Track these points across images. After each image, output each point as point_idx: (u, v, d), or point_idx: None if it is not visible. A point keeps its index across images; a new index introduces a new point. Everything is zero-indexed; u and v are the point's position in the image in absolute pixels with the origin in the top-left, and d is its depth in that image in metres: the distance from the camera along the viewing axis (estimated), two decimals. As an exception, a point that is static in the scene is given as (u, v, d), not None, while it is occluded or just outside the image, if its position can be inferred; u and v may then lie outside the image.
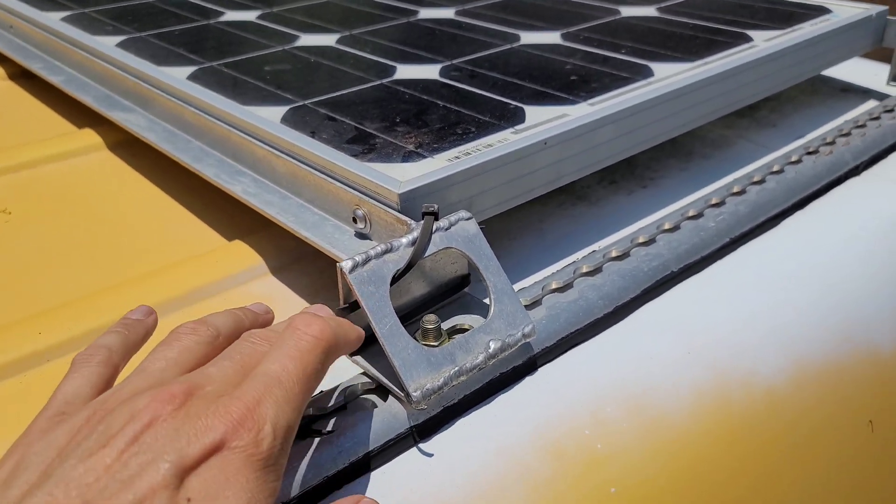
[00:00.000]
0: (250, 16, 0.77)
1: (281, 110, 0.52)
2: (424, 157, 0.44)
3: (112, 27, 0.72)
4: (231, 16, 0.77)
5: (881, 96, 0.75)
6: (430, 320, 0.38)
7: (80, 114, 0.71)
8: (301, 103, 0.53)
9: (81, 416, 0.28)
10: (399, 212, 0.40)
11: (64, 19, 0.75)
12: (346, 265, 0.35)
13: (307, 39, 0.68)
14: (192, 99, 0.54)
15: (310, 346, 0.30)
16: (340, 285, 0.36)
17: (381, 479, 0.34)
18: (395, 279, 0.37)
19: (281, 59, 0.63)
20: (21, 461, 0.26)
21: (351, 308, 0.36)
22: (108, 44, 0.66)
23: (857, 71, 0.81)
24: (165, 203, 0.58)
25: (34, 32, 0.76)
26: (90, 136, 0.66)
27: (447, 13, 0.76)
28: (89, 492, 0.24)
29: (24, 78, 0.80)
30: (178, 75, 0.58)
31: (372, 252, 0.36)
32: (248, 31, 0.71)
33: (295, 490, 0.32)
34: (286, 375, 0.29)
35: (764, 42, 0.63)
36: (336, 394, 0.37)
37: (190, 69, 0.60)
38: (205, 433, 0.26)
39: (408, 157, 0.44)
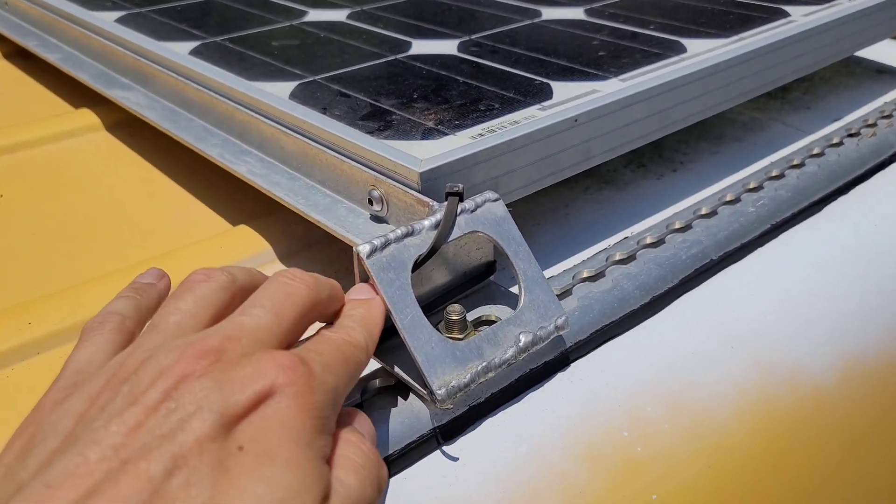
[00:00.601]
0: (256, -8, 0.73)
1: (290, 86, 0.48)
2: (446, 134, 0.41)
3: (111, 2, 0.69)
4: (236, -8, 0.74)
5: (918, 78, 0.71)
6: (454, 310, 0.34)
7: (77, 93, 0.67)
8: (311, 79, 0.49)
9: (99, 381, 0.24)
10: (420, 192, 0.37)
11: (61, -5, 0.71)
12: (363, 249, 0.32)
13: (316, 15, 0.65)
14: (194, 75, 0.51)
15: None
16: (357, 272, 0.33)
17: (401, 485, 0.31)
18: (417, 266, 0.33)
19: (288, 34, 0.59)
20: (36, 433, 0.23)
21: (368, 297, 0.33)
22: (106, 19, 0.63)
23: (892, 52, 0.77)
24: (166, 186, 0.54)
25: (30, 9, 0.73)
26: (87, 116, 0.62)
27: (462, -11, 0.72)
28: (124, 450, 0.21)
29: (20, 57, 0.77)
30: (180, 51, 0.55)
31: (391, 235, 0.33)
32: (254, 7, 0.67)
33: (307, 498, 0.29)
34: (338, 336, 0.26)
35: (802, 17, 0.59)
36: (353, 392, 0.33)
37: (192, 44, 0.57)
38: (253, 380, 0.23)
39: (428, 134, 0.41)
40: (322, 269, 0.45)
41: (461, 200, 0.35)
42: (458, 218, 0.35)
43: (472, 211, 0.35)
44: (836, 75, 0.72)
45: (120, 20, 0.63)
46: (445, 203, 0.35)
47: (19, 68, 0.76)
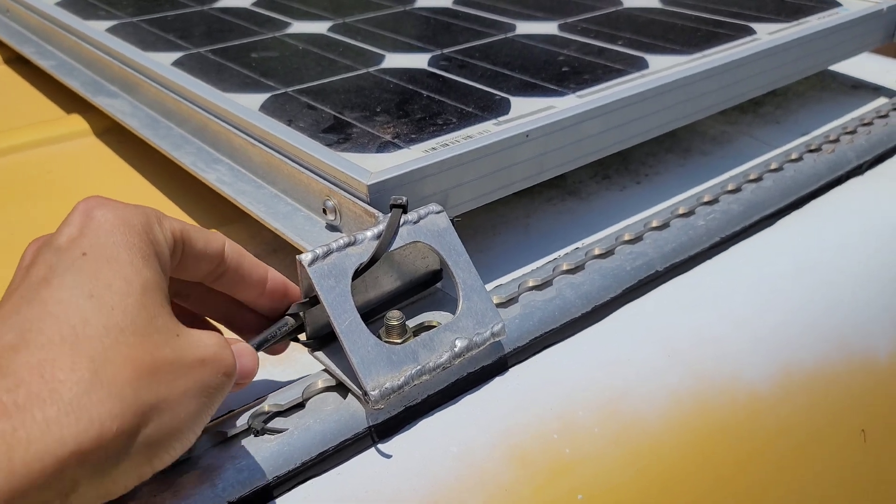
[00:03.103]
0: (245, 2, 0.76)
1: (262, 98, 0.50)
2: (400, 147, 0.43)
3: (105, 12, 0.71)
4: (226, 2, 0.76)
5: (892, 93, 0.73)
6: (393, 317, 0.36)
7: (69, 100, 0.70)
8: (282, 91, 0.52)
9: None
10: (368, 204, 0.39)
11: (59, 3, 0.74)
12: (305, 258, 0.34)
13: (299, 27, 0.67)
14: (173, 85, 0.53)
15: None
16: (301, 278, 0.35)
17: (334, 480, 0.33)
18: (358, 273, 0.35)
19: (269, 46, 0.62)
20: None
21: (311, 302, 0.35)
22: (97, 28, 0.65)
23: (869, 67, 0.78)
24: (147, 190, 0.57)
25: (29, 17, 0.75)
26: (77, 122, 0.65)
27: (445, 1, 0.74)
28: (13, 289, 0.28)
29: (20, 63, 0.80)
30: (163, 61, 0.57)
31: (334, 245, 0.35)
32: (241, 18, 0.70)
33: (244, 490, 0.31)
34: None
35: (767, 35, 0.61)
36: (295, 391, 0.35)
37: (176, 55, 0.59)
38: (71, 217, 0.29)
39: (383, 147, 0.43)
40: (288, 273, 0.47)
41: (405, 212, 0.37)
42: (401, 229, 0.37)
43: (416, 222, 0.37)
44: (810, 90, 0.73)
45: (111, 29, 0.65)
46: (389, 214, 0.37)
47: (18, 73, 0.78)
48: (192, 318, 0.37)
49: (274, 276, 0.36)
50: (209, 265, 0.33)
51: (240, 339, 0.34)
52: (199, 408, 0.27)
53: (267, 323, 0.36)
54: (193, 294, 0.36)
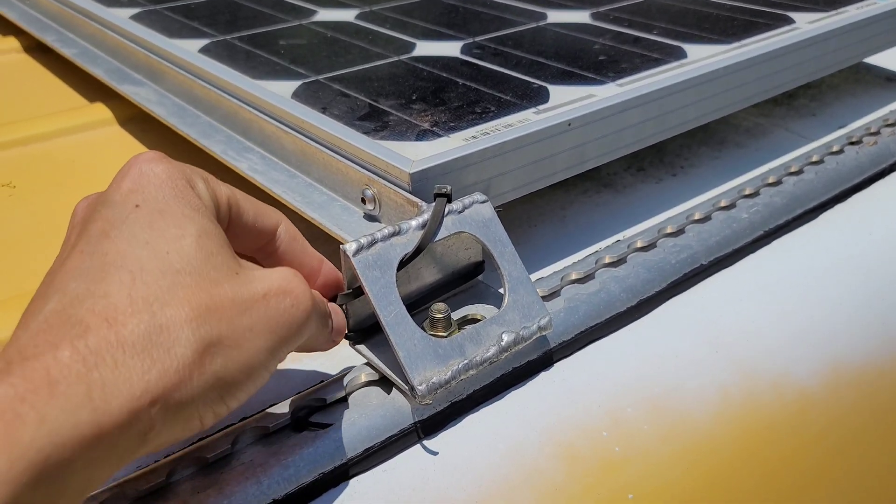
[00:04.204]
0: (269, -10, 0.75)
1: (293, 85, 0.49)
2: (440, 136, 0.42)
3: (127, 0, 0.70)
4: (250, -10, 0.75)
5: (928, 86, 0.71)
6: (439, 309, 0.35)
7: (92, 88, 0.69)
8: (314, 78, 0.50)
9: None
10: (410, 193, 0.38)
11: (80, -9, 0.73)
12: (349, 248, 0.33)
13: (325, 14, 0.66)
14: (201, 72, 0.52)
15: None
16: (344, 269, 0.34)
17: (380, 477, 0.32)
18: (403, 264, 0.34)
19: (296, 33, 0.60)
20: None
21: (355, 294, 0.34)
22: (121, 16, 0.64)
23: (903, 60, 0.77)
24: (174, 180, 0.56)
25: (49, 4, 0.74)
26: (101, 111, 0.64)
27: (472, -9, 0.73)
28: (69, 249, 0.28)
29: (40, 51, 0.79)
30: (189, 48, 0.56)
31: (378, 234, 0.34)
32: (265, 6, 0.69)
33: (287, 487, 0.30)
34: None
35: (806, 24, 0.59)
36: (337, 385, 0.34)
37: (202, 42, 0.58)
38: (121, 176, 0.29)
39: (422, 135, 0.42)
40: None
41: (449, 201, 0.36)
42: (445, 218, 0.36)
43: (460, 212, 0.36)
44: (844, 82, 0.72)
45: (135, 17, 0.64)
46: (433, 204, 0.36)
47: (38, 62, 0.78)
48: None
49: (328, 270, 0.35)
50: (258, 240, 0.33)
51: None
52: (270, 344, 0.27)
53: None
54: None
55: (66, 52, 0.66)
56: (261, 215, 0.32)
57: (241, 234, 0.32)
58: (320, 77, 0.51)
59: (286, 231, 0.33)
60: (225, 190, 0.31)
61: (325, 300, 0.33)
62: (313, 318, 0.29)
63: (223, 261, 0.27)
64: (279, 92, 0.48)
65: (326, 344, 0.33)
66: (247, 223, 0.32)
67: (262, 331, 0.27)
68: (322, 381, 0.35)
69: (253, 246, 0.33)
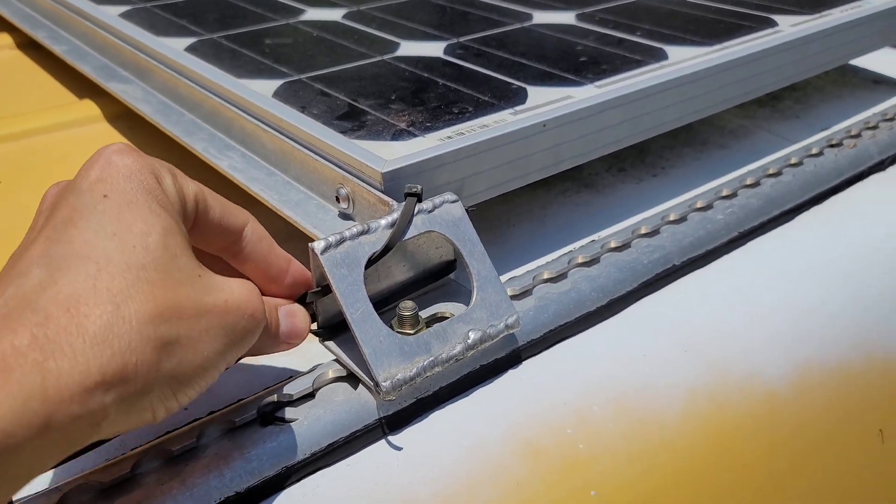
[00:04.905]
0: (260, -11, 0.75)
1: (275, 84, 0.50)
2: (416, 136, 0.42)
3: (118, -3, 0.71)
4: (241, -11, 0.75)
5: (915, 89, 0.71)
6: (406, 307, 0.36)
7: (82, 85, 0.69)
8: (296, 78, 0.51)
9: None
10: (382, 192, 0.38)
11: (72, -12, 0.73)
12: (317, 246, 0.33)
13: (313, 14, 0.66)
14: (186, 71, 0.52)
15: None
16: (313, 267, 0.35)
17: (344, 472, 0.32)
18: (371, 262, 0.35)
19: (283, 32, 0.61)
20: None
21: (323, 291, 0.35)
22: (111, 13, 0.65)
23: (890, 62, 0.77)
24: (158, 177, 0.56)
25: (42, 1, 0.75)
26: (89, 108, 0.65)
27: (461, -9, 0.73)
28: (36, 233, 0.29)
29: (32, 48, 0.80)
30: (176, 46, 0.57)
31: (347, 233, 0.34)
32: (255, 4, 0.69)
33: (250, 480, 0.31)
34: None
35: (789, 27, 0.59)
36: (305, 380, 0.35)
37: (189, 40, 0.58)
38: (91, 162, 0.30)
39: (398, 135, 0.42)
40: (302, 262, 0.46)
41: (419, 201, 0.37)
42: (415, 218, 0.36)
43: (430, 211, 0.37)
44: (829, 84, 0.72)
45: (124, 14, 0.65)
46: (403, 203, 0.36)
47: (31, 58, 0.78)
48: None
49: (296, 270, 0.36)
50: (224, 238, 0.33)
51: (294, 303, 0.35)
52: (223, 348, 0.28)
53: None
54: (213, 268, 0.35)
55: (57, 49, 0.67)
56: (227, 214, 0.33)
57: (207, 231, 0.32)
58: (303, 76, 0.51)
59: (253, 231, 0.34)
60: (192, 186, 0.32)
61: (273, 307, 0.33)
62: (262, 327, 0.30)
63: (186, 263, 0.28)
64: (261, 91, 0.48)
65: (275, 348, 0.34)
66: (213, 221, 0.32)
67: (217, 336, 0.28)
68: (292, 378, 0.35)
69: (219, 244, 0.33)
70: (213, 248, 0.34)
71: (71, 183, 0.29)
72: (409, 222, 0.36)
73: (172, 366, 0.26)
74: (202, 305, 0.27)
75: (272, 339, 0.33)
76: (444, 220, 0.37)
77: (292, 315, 0.34)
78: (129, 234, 0.27)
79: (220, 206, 0.33)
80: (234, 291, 0.29)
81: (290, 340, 0.34)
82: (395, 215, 0.36)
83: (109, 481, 0.29)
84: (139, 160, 0.30)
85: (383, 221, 0.35)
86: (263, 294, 0.36)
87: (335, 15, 0.66)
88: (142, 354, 0.25)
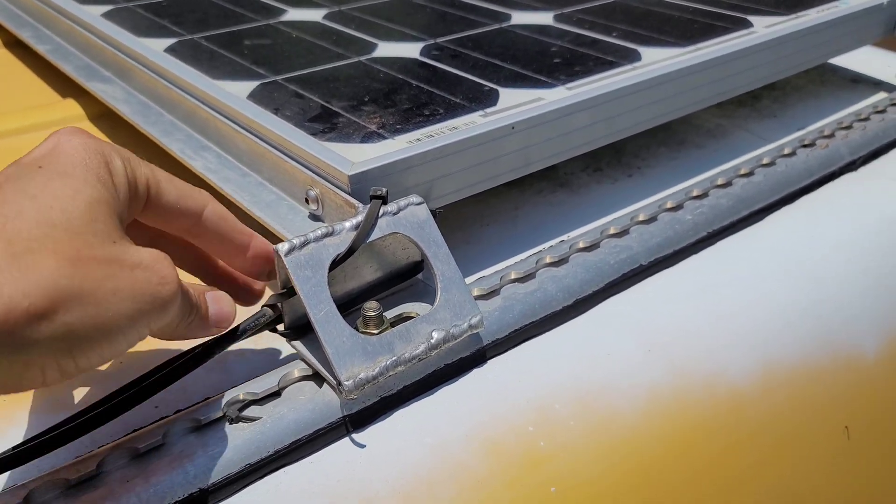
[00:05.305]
0: (243, -11, 0.76)
1: (251, 85, 0.50)
2: (385, 138, 0.43)
3: (102, -3, 0.71)
4: (224, -12, 0.76)
5: (893, 88, 0.72)
6: (371, 307, 0.36)
7: (65, 84, 0.70)
8: (272, 79, 0.52)
9: None
10: (349, 194, 0.39)
11: (57, -12, 0.74)
12: (282, 248, 0.34)
13: (294, 14, 0.67)
14: (164, 72, 0.53)
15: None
16: (278, 269, 0.35)
17: (307, 469, 0.33)
18: (336, 264, 0.35)
19: (263, 33, 0.61)
20: None
21: (288, 294, 0.35)
22: (93, 13, 0.65)
23: (870, 61, 0.77)
24: (138, 177, 0.57)
25: (27, 0, 0.75)
26: (72, 107, 0.65)
27: (443, -10, 0.74)
28: None
29: (18, 46, 0.80)
30: (156, 47, 0.57)
31: (311, 235, 0.35)
32: (237, 4, 0.70)
33: (216, 477, 0.31)
34: None
35: (764, 28, 0.60)
36: (271, 379, 0.36)
37: (169, 41, 0.59)
38: (44, 143, 0.31)
39: (368, 137, 0.43)
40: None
41: (385, 203, 0.37)
42: (380, 220, 0.37)
43: (395, 213, 0.37)
44: (809, 84, 0.73)
45: (106, 14, 0.65)
46: (368, 205, 0.37)
47: (17, 57, 0.79)
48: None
49: (258, 244, 0.37)
50: (183, 221, 0.34)
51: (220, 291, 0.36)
52: (131, 311, 0.28)
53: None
54: (172, 247, 0.36)
55: (41, 48, 0.68)
56: (184, 197, 0.34)
57: (163, 214, 0.33)
58: (278, 78, 0.52)
59: (214, 212, 0.35)
60: (145, 170, 0.32)
61: (201, 292, 0.34)
62: (178, 301, 0.30)
63: (105, 229, 0.28)
64: (236, 92, 0.49)
65: (206, 331, 0.34)
66: (168, 204, 0.33)
67: (125, 297, 0.28)
68: (258, 377, 0.36)
69: (178, 226, 0.35)
70: (174, 229, 0.35)
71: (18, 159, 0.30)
72: (374, 224, 0.36)
73: (71, 319, 0.26)
74: (110, 263, 0.27)
75: (202, 321, 0.34)
76: (410, 222, 0.38)
77: (218, 300, 0.35)
78: (49, 198, 0.27)
79: (176, 190, 0.34)
80: (146, 257, 0.29)
81: (219, 325, 0.34)
82: (360, 217, 0.36)
83: (75, 479, 0.30)
84: (87, 142, 0.30)
85: (348, 224, 0.36)
86: (234, 268, 0.38)
87: (316, 16, 0.67)
88: (32, 301, 0.25)
